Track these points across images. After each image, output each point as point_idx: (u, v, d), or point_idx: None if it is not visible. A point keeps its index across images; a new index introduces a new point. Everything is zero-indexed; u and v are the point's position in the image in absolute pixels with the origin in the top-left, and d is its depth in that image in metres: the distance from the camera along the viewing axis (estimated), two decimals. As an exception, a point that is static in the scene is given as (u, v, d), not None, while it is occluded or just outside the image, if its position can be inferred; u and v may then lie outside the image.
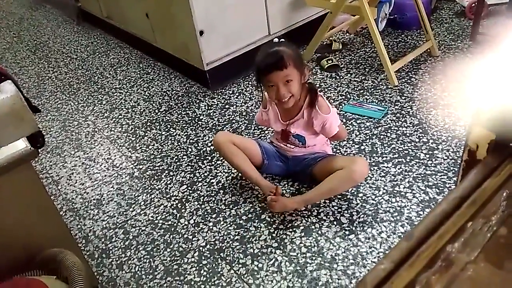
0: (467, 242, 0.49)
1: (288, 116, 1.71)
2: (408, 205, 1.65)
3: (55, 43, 3.52)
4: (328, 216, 1.66)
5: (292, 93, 1.57)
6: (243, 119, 2.27)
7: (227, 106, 2.40)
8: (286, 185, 1.83)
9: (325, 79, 2.49)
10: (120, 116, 2.47)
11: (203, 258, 1.58)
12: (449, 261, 0.47)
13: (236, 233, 1.65)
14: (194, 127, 2.28)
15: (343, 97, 2.31)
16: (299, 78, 1.58)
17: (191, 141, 2.19)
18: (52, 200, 1.36)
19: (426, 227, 0.48)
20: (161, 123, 2.36)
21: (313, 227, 1.63)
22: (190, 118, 2.36)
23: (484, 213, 0.52)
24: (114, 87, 2.77)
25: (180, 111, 2.43)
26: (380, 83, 2.36)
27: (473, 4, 2.74)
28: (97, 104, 2.62)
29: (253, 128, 2.20)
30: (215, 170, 1.96)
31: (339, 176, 1.61)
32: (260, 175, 1.77)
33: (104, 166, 2.11)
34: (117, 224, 1.78)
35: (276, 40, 1.57)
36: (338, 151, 1.95)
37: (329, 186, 1.64)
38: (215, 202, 1.81)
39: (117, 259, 1.64)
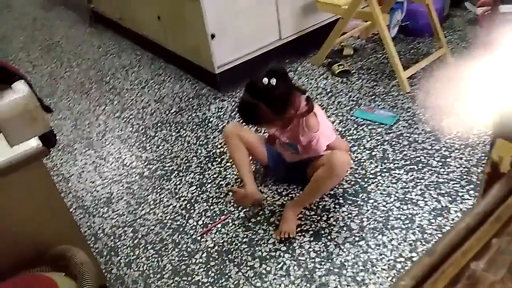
0: (492, 260, 0.47)
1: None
2: (419, 213, 1.63)
3: (67, 44, 3.55)
4: (338, 222, 1.65)
5: (275, 129, 1.63)
6: (253, 122, 2.27)
7: (236, 109, 2.40)
8: (285, 191, 1.82)
9: (336, 84, 2.48)
10: (131, 116, 2.49)
11: (211, 259, 1.58)
12: (474, 279, 0.45)
13: (245, 236, 1.65)
14: (204, 129, 2.28)
15: (354, 102, 2.30)
16: (279, 121, 1.56)
17: (200, 142, 2.19)
18: (63, 198, 1.36)
19: (450, 242, 0.46)
20: (171, 124, 2.36)
21: (322, 232, 1.62)
22: (200, 120, 2.36)
23: (510, 230, 0.50)
24: (126, 87, 2.79)
25: (190, 113, 2.43)
26: (392, 90, 2.35)
27: (486, 12, 2.72)
28: (108, 104, 2.64)
29: (263, 131, 2.19)
30: (224, 172, 1.95)
31: (320, 174, 1.57)
32: (251, 179, 1.71)
33: (115, 165, 2.12)
34: (126, 222, 1.78)
35: (265, 80, 1.46)
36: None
37: (314, 186, 1.61)
38: (224, 203, 1.80)
39: (125, 257, 1.64)
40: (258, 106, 1.47)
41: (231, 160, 1.84)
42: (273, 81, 1.45)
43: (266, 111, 1.47)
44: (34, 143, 1.13)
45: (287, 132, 1.65)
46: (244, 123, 1.71)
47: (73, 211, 1.87)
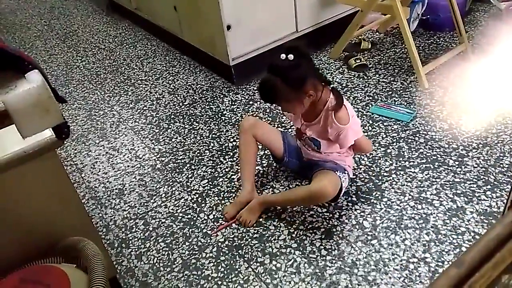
0: (526, 273, 0.44)
1: (307, 117, 1.64)
2: (434, 213, 1.59)
3: (84, 33, 3.57)
4: (350, 220, 1.62)
5: (292, 113, 1.62)
6: (266, 116, 2.25)
7: (251, 102, 2.38)
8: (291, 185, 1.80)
9: (353, 78, 2.44)
10: (144, 108, 2.49)
11: (221, 254, 1.57)
12: (506, 294, 0.42)
13: (255, 231, 1.64)
14: (217, 122, 2.27)
15: (371, 98, 2.25)
16: (296, 102, 1.52)
17: (213, 135, 2.18)
18: (75, 189, 1.36)
19: (479, 253, 0.43)
20: (184, 116, 2.36)
21: (334, 230, 1.60)
22: (213, 113, 2.35)
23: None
24: (140, 78, 2.79)
25: (204, 105, 2.42)
26: (410, 85, 2.30)
27: (511, 7, 2.63)
28: (122, 95, 2.64)
29: (276, 125, 2.17)
30: (236, 166, 1.94)
31: (300, 191, 1.65)
32: (249, 181, 1.74)
33: (127, 157, 2.13)
34: (138, 214, 1.79)
35: (283, 56, 1.43)
36: (363, 154, 1.90)
37: (289, 197, 1.68)
38: (235, 198, 1.79)
39: (136, 249, 1.64)
40: (274, 82, 1.46)
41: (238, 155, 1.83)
42: (291, 56, 1.43)
43: (281, 87, 1.45)
44: (48, 132, 1.13)
45: (314, 126, 1.62)
46: (264, 101, 1.72)
47: (86, 202, 1.88)
